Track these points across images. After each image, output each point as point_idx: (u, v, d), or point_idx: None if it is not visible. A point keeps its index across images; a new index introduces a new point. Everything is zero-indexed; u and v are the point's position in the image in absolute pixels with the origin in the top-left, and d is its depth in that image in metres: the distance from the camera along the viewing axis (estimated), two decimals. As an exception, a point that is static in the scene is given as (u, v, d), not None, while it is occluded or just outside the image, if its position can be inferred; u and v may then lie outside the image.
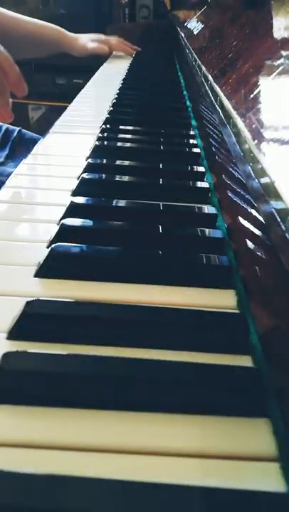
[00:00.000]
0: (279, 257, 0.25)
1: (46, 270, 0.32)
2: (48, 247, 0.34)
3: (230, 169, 0.42)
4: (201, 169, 0.50)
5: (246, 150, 0.32)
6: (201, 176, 0.49)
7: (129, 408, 0.22)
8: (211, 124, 0.55)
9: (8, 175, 0.49)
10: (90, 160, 0.51)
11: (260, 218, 0.31)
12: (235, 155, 0.39)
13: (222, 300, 0.30)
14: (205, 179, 0.48)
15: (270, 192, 0.26)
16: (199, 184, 0.46)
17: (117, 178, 0.46)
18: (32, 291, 0.30)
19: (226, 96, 0.42)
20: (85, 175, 0.46)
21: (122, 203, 0.40)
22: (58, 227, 0.36)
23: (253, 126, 0.33)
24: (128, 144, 0.57)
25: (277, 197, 0.25)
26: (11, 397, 0.22)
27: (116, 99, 0.81)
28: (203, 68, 0.58)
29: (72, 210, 0.39)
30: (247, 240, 0.32)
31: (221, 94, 0.44)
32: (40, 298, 0.28)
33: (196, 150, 0.56)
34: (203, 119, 0.60)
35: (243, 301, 0.30)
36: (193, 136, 0.62)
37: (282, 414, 0.22)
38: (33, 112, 2.31)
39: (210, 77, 0.52)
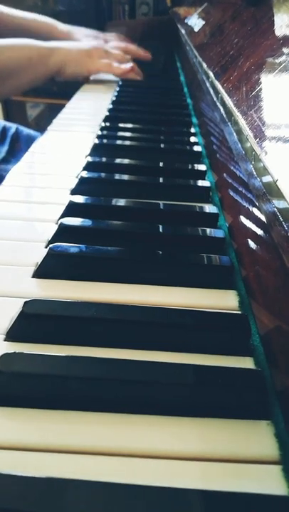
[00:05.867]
0: (281, 257, 0.25)
1: (44, 270, 0.31)
2: (46, 247, 0.34)
3: (232, 168, 0.42)
4: (202, 168, 0.50)
5: (248, 148, 0.32)
6: (202, 175, 0.49)
7: (129, 411, 0.22)
8: (212, 121, 0.55)
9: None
10: (89, 158, 0.50)
11: (262, 218, 0.31)
12: (236, 153, 0.38)
13: (223, 301, 0.30)
14: (206, 178, 0.48)
15: (272, 191, 0.26)
16: (200, 183, 0.46)
17: (116, 177, 0.46)
18: (30, 292, 0.30)
19: (227, 93, 0.42)
20: (84, 173, 0.45)
21: (121, 202, 0.40)
22: (56, 226, 0.36)
23: (255, 124, 0.32)
24: (128, 142, 0.57)
25: (280, 196, 0.24)
26: (9, 399, 0.22)
27: (116, 96, 0.80)
28: (204, 65, 0.57)
29: (71, 209, 0.39)
30: (248, 240, 0.32)
31: (222, 91, 0.43)
32: (38, 298, 0.28)
33: (197, 148, 0.56)
34: (204, 116, 0.60)
35: (244, 302, 0.30)
36: (194, 134, 0.62)
37: (284, 416, 0.22)
38: (31, 110, 2.30)
39: (211, 74, 0.51)
